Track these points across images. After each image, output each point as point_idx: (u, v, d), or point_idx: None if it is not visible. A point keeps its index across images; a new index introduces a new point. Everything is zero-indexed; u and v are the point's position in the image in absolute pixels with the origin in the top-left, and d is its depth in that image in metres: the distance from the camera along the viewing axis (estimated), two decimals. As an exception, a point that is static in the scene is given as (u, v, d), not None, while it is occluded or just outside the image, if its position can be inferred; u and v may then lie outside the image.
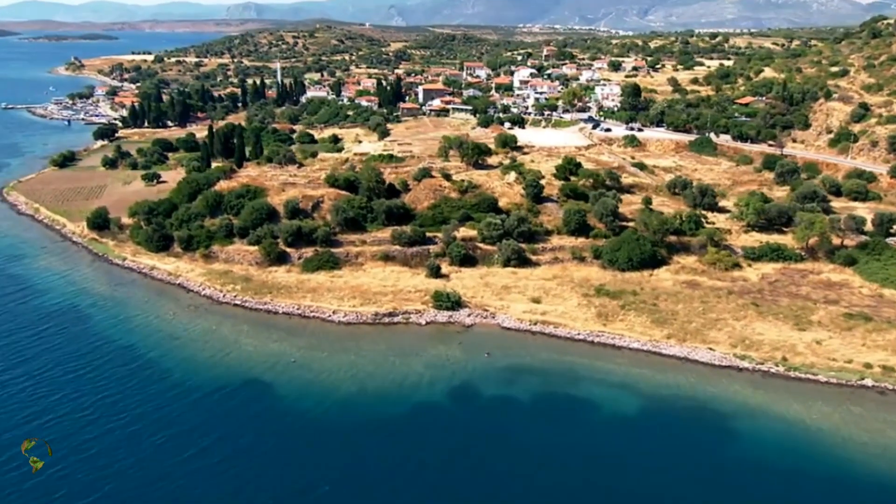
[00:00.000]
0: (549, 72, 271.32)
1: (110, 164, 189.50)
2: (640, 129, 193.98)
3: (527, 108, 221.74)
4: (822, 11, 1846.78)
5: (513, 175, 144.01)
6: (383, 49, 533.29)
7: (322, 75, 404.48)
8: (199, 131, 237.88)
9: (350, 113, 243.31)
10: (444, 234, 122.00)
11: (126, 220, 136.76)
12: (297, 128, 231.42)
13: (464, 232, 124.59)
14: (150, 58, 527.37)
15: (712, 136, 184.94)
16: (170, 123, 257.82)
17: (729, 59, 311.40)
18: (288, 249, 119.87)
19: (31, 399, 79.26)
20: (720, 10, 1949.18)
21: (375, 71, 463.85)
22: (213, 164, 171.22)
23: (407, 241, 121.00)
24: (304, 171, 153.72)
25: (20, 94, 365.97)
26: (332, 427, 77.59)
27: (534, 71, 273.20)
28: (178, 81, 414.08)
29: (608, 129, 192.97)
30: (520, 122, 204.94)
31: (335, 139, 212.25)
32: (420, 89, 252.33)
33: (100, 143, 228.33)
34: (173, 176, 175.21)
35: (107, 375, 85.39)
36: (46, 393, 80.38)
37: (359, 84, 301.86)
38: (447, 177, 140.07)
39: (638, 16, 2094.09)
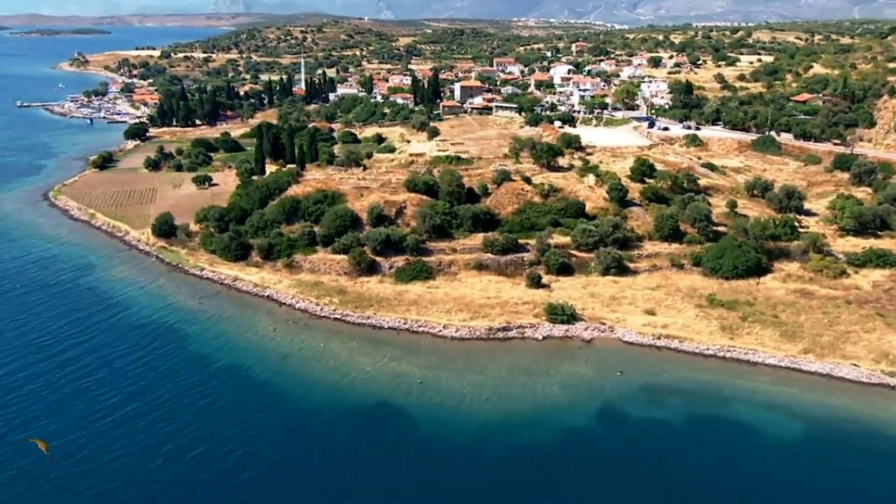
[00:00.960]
0: (588, 68, 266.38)
1: (153, 165, 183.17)
2: (697, 128, 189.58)
3: (573, 105, 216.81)
4: (811, 5, 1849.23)
5: (591, 178, 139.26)
6: (392, 44, 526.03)
7: (337, 72, 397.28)
8: (231, 130, 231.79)
9: (387, 111, 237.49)
10: (538, 242, 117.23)
11: (194, 227, 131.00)
12: (336, 126, 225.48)
13: (554, 239, 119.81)
14: (157, 53, 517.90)
15: (772, 134, 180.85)
16: (198, 122, 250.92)
17: (759, 54, 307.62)
18: (377, 258, 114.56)
19: (166, 432, 73.76)
20: (709, 4, 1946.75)
21: (389, 66, 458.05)
22: (267, 167, 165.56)
23: (500, 249, 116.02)
24: (370, 173, 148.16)
25: (30, 91, 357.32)
26: (477, 457, 72.78)
27: (572, 67, 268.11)
28: (189, 78, 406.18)
29: (666, 128, 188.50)
30: (570, 120, 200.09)
31: (379, 139, 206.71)
32: (457, 86, 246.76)
33: (132, 143, 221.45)
34: (222, 178, 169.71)
35: (230, 402, 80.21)
36: (180, 427, 74.94)
37: (386, 81, 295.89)
38: (527, 180, 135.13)
39: (627, 9, 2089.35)
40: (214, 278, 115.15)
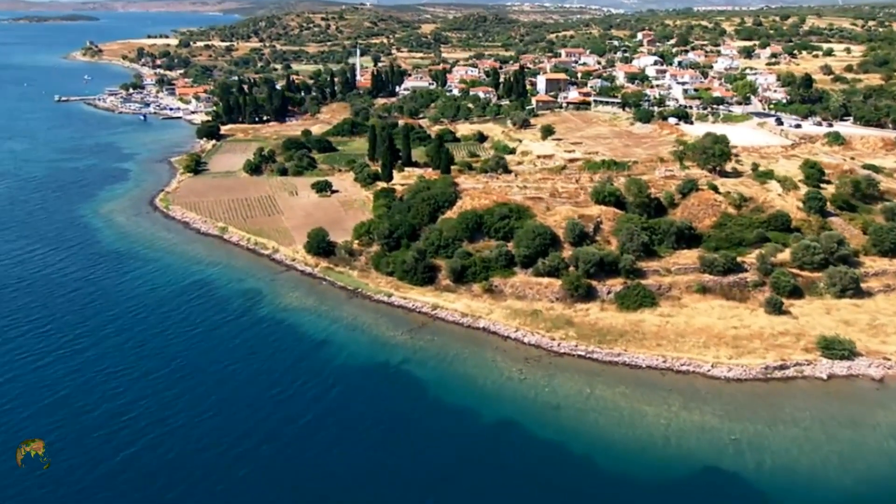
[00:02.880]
0: (678, 59, 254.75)
1: (254, 169, 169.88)
2: (829, 124, 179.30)
3: (676, 100, 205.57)
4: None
5: (775, 184, 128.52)
6: (419, 31, 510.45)
7: (375, 62, 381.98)
8: (304, 126, 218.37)
9: (471, 106, 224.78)
10: (758, 260, 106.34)
11: (356, 245, 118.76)
12: (422, 123, 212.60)
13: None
14: (174, 42, 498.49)
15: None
16: (265, 118, 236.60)
17: (829, 42, 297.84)
18: (591, 282, 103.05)
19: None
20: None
21: (420, 55, 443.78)
22: (375, 171, 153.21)
23: (721, 269, 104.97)
24: (525, 180, 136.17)
25: (57, 83, 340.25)
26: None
27: (657, 59, 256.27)
28: (217, 68, 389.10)
29: (798, 125, 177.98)
30: (684, 116, 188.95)
31: (481, 137, 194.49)
32: (541, 79, 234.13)
33: (208, 142, 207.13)
34: (340, 183, 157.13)
35: (526, 471, 69.11)
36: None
37: (448, 72, 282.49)
38: (714, 188, 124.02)
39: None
40: (409, 306, 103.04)
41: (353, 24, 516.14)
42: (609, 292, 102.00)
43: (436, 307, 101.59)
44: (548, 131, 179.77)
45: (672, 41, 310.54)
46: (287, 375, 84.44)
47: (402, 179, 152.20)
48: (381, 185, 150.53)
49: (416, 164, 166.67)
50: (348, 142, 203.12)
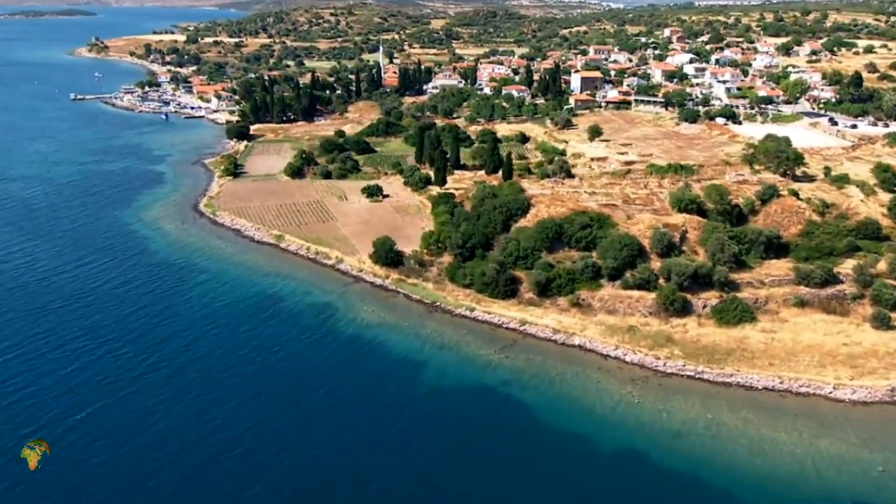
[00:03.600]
0: (715, 57, 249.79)
1: (296, 172, 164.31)
2: (885, 124, 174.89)
3: (720, 99, 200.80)
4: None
5: (855, 189, 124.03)
6: (429, 27, 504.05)
7: (391, 59, 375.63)
8: (335, 126, 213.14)
9: (505, 105, 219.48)
10: (857, 272, 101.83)
11: (425, 255, 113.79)
12: (458, 123, 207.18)
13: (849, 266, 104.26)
14: (182, 38, 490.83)
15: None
16: (293, 117, 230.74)
17: (860, 38, 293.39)
18: (687, 296, 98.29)
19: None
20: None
21: (434, 51, 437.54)
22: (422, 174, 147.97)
23: (818, 281, 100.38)
24: (590, 185, 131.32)
25: (68, 81, 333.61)
26: None
27: (693, 56, 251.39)
28: (229, 65, 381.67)
29: (854, 126, 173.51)
30: (731, 116, 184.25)
31: (523, 138, 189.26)
32: (576, 77, 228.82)
33: (239, 143, 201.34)
34: (389, 188, 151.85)
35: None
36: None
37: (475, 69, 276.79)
38: (795, 194, 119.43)
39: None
40: (494, 321, 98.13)
41: (362, 19, 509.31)
42: (705, 306, 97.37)
43: (524, 322, 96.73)
44: (595, 132, 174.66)
45: (703, 38, 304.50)
46: (392, 400, 79.46)
47: (455, 183, 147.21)
48: (435, 189, 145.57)
49: (464, 167, 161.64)
50: (384, 142, 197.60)
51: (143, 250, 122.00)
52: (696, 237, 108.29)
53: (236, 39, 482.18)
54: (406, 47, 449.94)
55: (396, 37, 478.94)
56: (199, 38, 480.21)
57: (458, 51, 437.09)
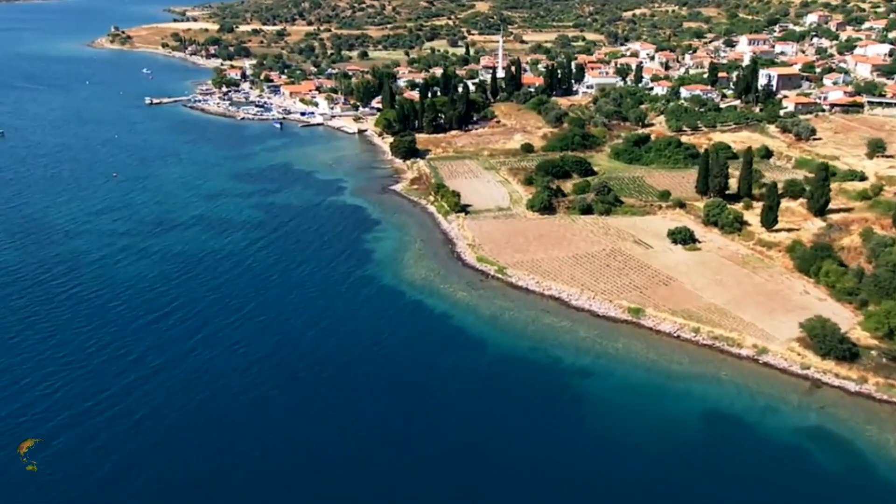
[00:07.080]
0: None
1: (545, 208, 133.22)
2: None
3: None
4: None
5: None
6: (475, 10, 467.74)
7: (468, 53, 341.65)
8: (492, 134, 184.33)
9: (702, 111, 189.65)
10: None
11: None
12: (656, 132, 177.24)
13: None
14: (210, 26, 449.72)
15: None
16: (445, 126, 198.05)
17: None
18: None
19: None
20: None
21: (496, 38, 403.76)
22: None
23: None
24: None
25: (117, 80, 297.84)
26: None
27: (893, 47, 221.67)
28: (280, 57, 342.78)
29: None
30: None
31: (767, 153, 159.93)
32: (772, 73, 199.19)
33: (416, 162, 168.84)
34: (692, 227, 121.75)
35: None
36: None
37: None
38: None
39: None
40: None
41: (408, 3, 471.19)
42: None
43: None
44: (877, 146, 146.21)
45: (871, 23, 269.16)
46: None
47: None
48: (761, 234, 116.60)
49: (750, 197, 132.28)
50: (590, 157, 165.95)
51: (453, 337, 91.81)
52: None
53: (272, 27, 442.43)
54: (468, 35, 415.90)
55: (450, 22, 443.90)
56: (234, 27, 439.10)
57: (524, 37, 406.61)
